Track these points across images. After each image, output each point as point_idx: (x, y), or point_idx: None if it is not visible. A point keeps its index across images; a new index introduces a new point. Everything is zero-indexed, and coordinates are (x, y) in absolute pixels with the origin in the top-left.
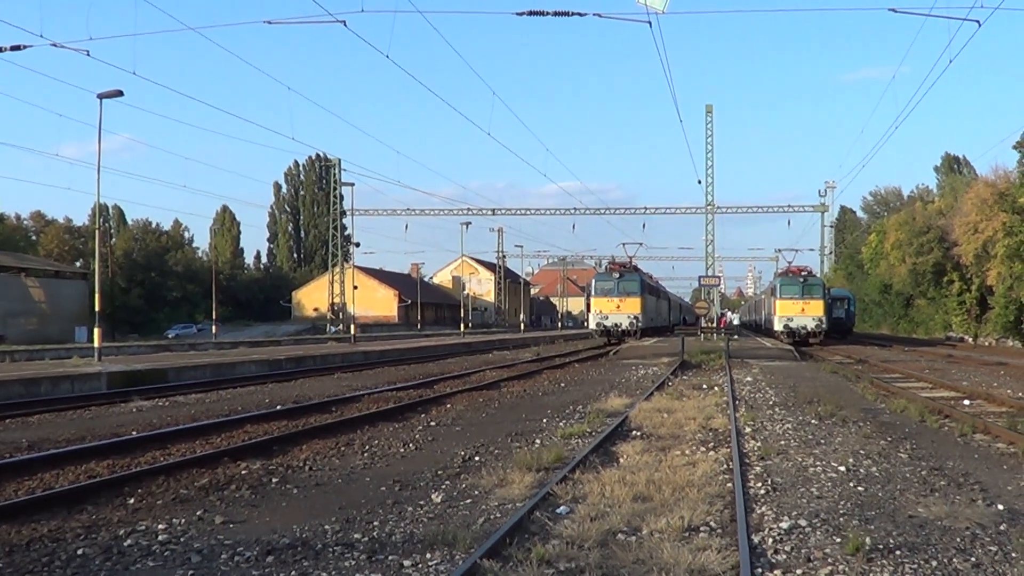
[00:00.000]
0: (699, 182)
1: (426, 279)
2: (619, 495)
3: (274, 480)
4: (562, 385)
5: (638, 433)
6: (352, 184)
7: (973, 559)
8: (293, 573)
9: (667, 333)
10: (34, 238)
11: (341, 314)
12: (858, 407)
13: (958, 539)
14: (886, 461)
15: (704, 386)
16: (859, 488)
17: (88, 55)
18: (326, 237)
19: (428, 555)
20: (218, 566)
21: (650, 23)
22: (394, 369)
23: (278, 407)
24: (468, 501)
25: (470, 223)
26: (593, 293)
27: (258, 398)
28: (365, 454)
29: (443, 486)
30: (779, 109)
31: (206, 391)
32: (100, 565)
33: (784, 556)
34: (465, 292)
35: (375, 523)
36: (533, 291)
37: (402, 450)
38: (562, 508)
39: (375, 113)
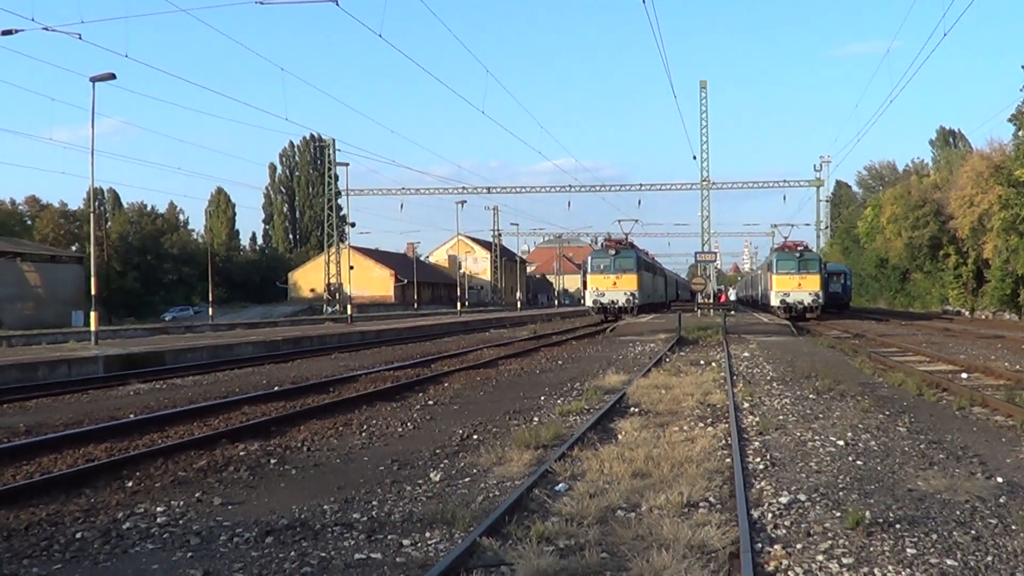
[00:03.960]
0: (694, 158)
1: (422, 258)
2: (618, 472)
3: (272, 461)
4: (559, 363)
5: (636, 410)
6: (347, 164)
7: (973, 532)
8: (292, 554)
9: (664, 309)
10: (29, 223)
11: (337, 294)
12: (856, 381)
13: (958, 512)
14: (885, 435)
15: (701, 362)
16: (858, 462)
17: (80, 38)
18: (322, 218)
19: (427, 534)
20: (217, 548)
21: None
22: (391, 349)
23: (276, 388)
24: (467, 479)
25: (465, 202)
26: (589, 270)
27: (256, 379)
28: (363, 434)
29: (441, 465)
30: (774, 84)
31: (203, 373)
32: (99, 548)
33: (784, 531)
34: (461, 271)
35: (374, 503)
36: (529, 269)
37: (400, 429)
38: (561, 485)
39: (369, 92)
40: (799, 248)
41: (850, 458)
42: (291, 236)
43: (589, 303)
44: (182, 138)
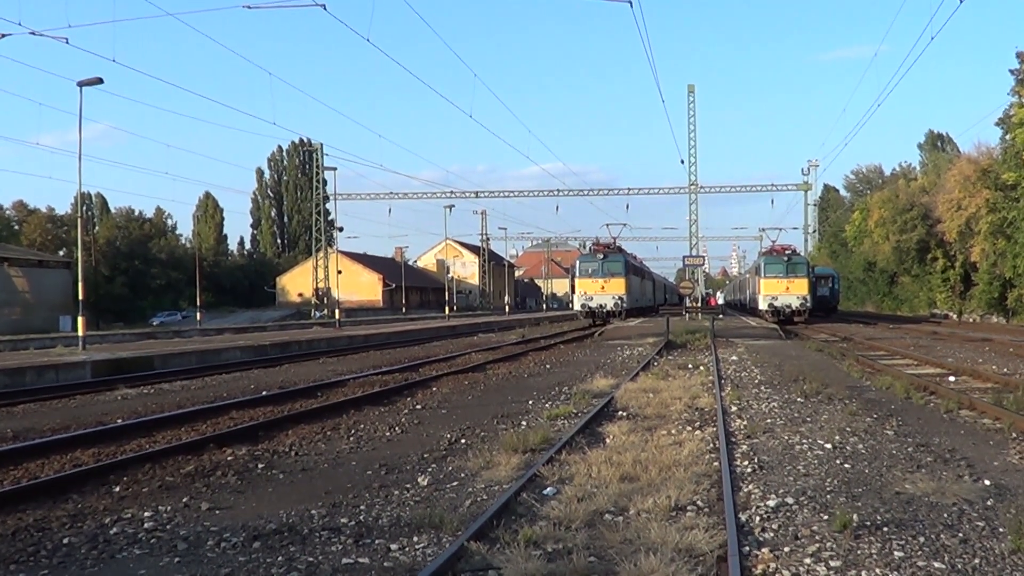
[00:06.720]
0: (682, 162)
1: (410, 263)
2: (606, 475)
3: (260, 466)
4: (547, 367)
5: (624, 413)
6: (335, 168)
7: (961, 535)
8: (280, 559)
9: (652, 313)
10: (16, 228)
11: (326, 299)
12: (844, 385)
13: (945, 515)
14: (872, 438)
15: (689, 366)
16: (846, 465)
17: (67, 43)
18: (309, 222)
19: (415, 538)
20: (204, 553)
21: (631, 3)
22: (379, 353)
23: (264, 393)
24: (455, 484)
25: (453, 206)
26: (578, 274)
27: (243, 384)
28: (351, 438)
29: (429, 469)
30: (762, 88)
31: (191, 378)
32: (86, 554)
33: (771, 534)
34: (449, 275)
35: (362, 507)
36: (517, 273)
37: (388, 434)
38: (549, 489)
39: (357, 97)
40: (787, 252)
41: (838, 461)
42: (279, 241)
43: (577, 307)
44: (170, 142)
